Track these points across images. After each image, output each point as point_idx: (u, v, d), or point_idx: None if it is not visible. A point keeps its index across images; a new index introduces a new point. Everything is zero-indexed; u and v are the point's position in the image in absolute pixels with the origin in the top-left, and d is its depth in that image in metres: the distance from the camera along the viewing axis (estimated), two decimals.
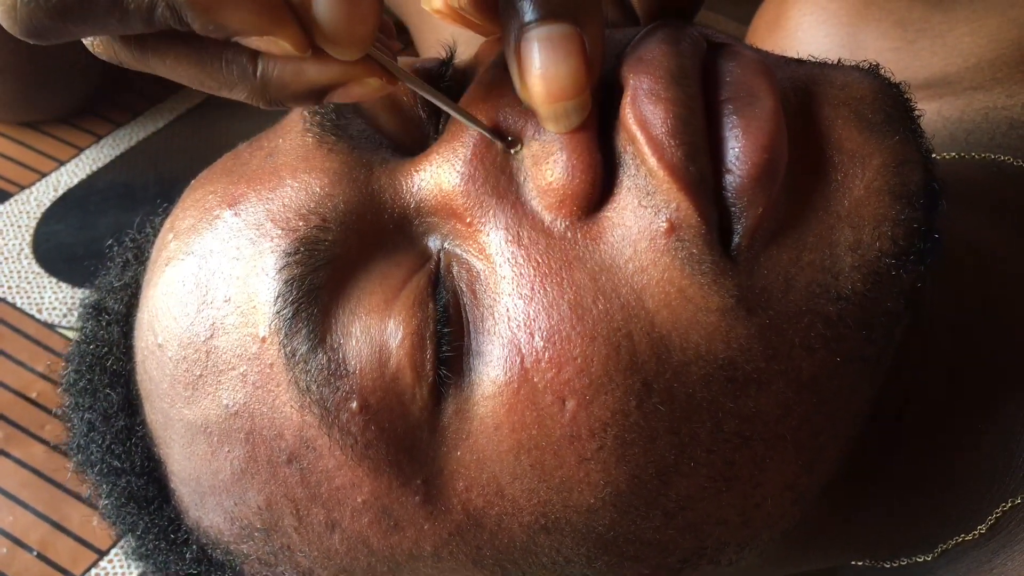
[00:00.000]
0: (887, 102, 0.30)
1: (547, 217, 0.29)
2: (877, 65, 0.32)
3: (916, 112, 0.31)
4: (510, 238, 0.30)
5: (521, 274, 0.29)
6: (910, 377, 0.33)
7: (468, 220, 0.30)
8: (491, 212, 0.30)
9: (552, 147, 0.29)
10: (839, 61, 0.33)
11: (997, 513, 0.35)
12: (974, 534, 0.36)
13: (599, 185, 0.29)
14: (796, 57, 0.33)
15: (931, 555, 0.37)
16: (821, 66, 0.32)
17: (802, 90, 0.30)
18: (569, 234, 0.29)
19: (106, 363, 0.37)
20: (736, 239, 0.29)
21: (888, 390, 0.32)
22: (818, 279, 0.29)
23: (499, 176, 0.30)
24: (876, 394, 0.31)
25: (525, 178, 0.30)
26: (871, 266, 0.29)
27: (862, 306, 0.29)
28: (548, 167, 0.29)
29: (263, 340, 0.31)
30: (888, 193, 0.29)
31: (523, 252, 0.29)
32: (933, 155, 0.31)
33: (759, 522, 0.32)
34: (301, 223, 0.31)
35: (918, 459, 0.35)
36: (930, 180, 0.30)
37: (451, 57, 0.35)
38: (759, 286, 0.29)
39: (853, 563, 0.39)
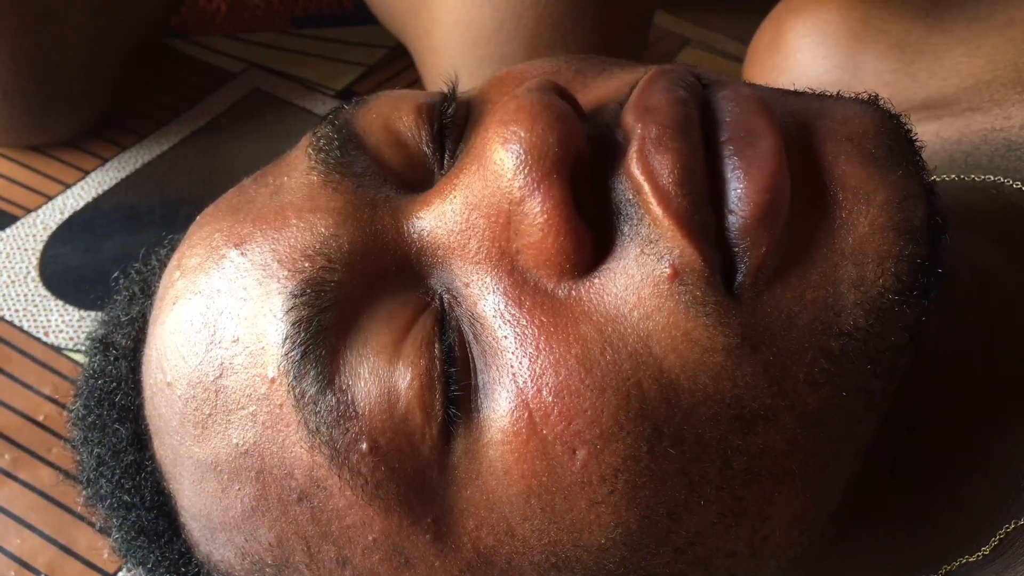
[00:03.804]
0: (889, 135, 0.30)
1: (548, 284, 0.30)
2: (876, 96, 0.32)
3: (918, 144, 0.31)
4: (510, 301, 0.30)
5: (524, 334, 0.29)
6: (914, 405, 0.34)
7: (465, 282, 0.31)
8: (488, 278, 0.30)
9: (533, 217, 0.29)
10: (838, 93, 0.33)
11: (1000, 535, 0.35)
12: (977, 555, 0.36)
13: (587, 247, 0.29)
14: (794, 89, 0.33)
15: None
16: (820, 99, 0.32)
17: (802, 125, 0.30)
18: (573, 293, 0.29)
19: (114, 398, 0.37)
20: (740, 278, 0.29)
21: (893, 419, 0.32)
22: (820, 316, 0.29)
23: (494, 240, 0.30)
24: (881, 424, 0.31)
25: (519, 247, 0.30)
26: (874, 303, 0.29)
27: (865, 341, 0.29)
28: (532, 240, 0.29)
29: (272, 381, 0.31)
30: (892, 230, 0.29)
31: (525, 315, 0.30)
32: (935, 182, 0.31)
33: (767, 553, 0.32)
34: (307, 264, 0.31)
35: (922, 484, 0.35)
36: (933, 214, 0.30)
37: (453, 91, 0.35)
38: (762, 324, 0.29)
39: None
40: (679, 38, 0.95)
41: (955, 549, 0.36)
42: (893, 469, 0.35)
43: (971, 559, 0.36)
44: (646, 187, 0.28)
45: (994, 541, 0.35)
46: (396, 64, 0.92)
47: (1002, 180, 0.43)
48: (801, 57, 0.55)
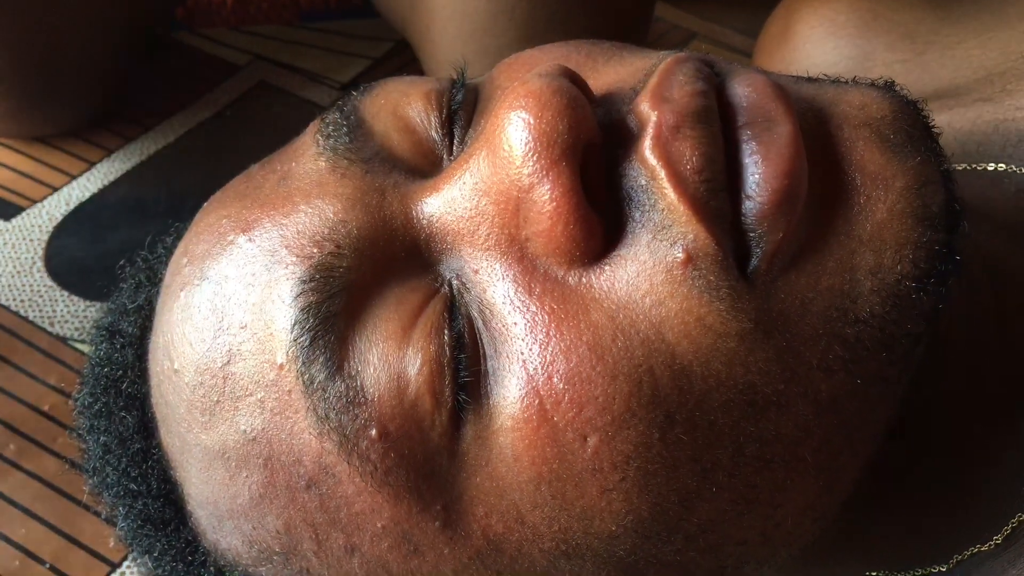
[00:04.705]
0: (906, 121, 0.30)
1: (559, 272, 0.29)
2: (892, 82, 0.32)
3: (935, 129, 0.31)
4: (520, 288, 0.30)
5: (534, 321, 0.29)
6: (928, 394, 0.33)
7: (475, 269, 0.30)
8: (497, 264, 0.30)
9: (542, 205, 0.29)
10: (854, 78, 0.33)
11: (1013, 523, 0.35)
12: (990, 544, 0.36)
13: (597, 234, 0.29)
14: (808, 76, 0.33)
15: (946, 566, 0.37)
16: (836, 85, 0.32)
17: (818, 111, 0.30)
18: (584, 280, 0.29)
19: (121, 386, 0.37)
20: (754, 263, 0.28)
21: (906, 408, 0.32)
22: (836, 303, 0.29)
23: (503, 227, 0.30)
24: (894, 412, 0.31)
25: (529, 234, 0.30)
26: (891, 289, 0.29)
27: (881, 328, 0.29)
28: (541, 228, 0.29)
29: (280, 367, 0.31)
30: (911, 216, 0.29)
31: (536, 302, 0.29)
32: (952, 170, 0.31)
33: (779, 541, 0.32)
34: (315, 250, 0.31)
35: (935, 474, 0.35)
36: (951, 201, 0.30)
37: (463, 77, 0.35)
38: (776, 309, 0.28)
39: (868, 573, 0.39)
40: (686, 32, 0.95)
41: (967, 538, 0.36)
42: (906, 459, 0.34)
43: (983, 548, 0.36)
44: (662, 173, 0.28)
45: (1007, 530, 0.35)
46: (402, 57, 0.92)
47: (1014, 169, 0.42)
48: (811, 48, 0.54)
